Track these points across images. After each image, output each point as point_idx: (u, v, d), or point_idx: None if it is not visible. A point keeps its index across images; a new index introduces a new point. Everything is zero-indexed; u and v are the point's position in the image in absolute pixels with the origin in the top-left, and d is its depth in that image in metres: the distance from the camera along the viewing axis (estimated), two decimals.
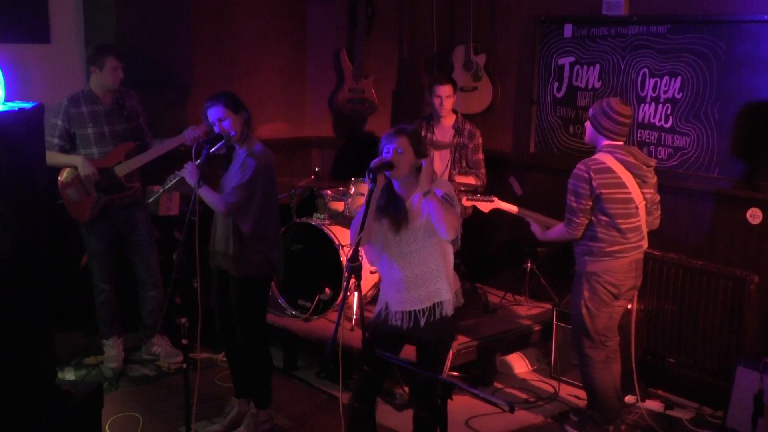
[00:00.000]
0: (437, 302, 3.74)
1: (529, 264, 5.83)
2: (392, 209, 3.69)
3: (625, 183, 4.26)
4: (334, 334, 3.43)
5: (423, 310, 3.74)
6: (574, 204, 4.30)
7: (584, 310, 4.41)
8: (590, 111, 4.41)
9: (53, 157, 5.01)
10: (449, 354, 4.53)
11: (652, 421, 4.76)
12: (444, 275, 3.75)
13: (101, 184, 5.05)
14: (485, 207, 4.78)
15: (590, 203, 4.27)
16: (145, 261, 5.33)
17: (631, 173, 4.27)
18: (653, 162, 4.40)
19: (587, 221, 4.32)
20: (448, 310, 3.75)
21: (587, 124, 4.42)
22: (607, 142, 4.32)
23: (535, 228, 4.59)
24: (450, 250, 3.80)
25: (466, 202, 4.84)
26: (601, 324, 4.44)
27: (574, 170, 4.30)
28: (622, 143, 4.35)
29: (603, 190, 4.24)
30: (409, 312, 3.75)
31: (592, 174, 4.23)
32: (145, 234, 5.30)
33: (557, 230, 4.46)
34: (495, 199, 4.75)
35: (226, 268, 4.33)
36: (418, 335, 3.79)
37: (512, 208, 4.68)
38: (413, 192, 3.72)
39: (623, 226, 4.30)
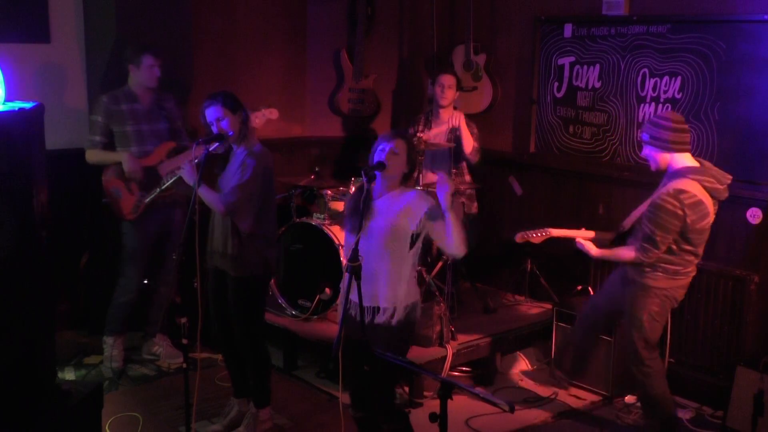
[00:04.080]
0: (377, 306, 3.69)
1: (529, 264, 5.83)
2: (357, 209, 3.66)
3: (710, 212, 4.12)
4: (339, 333, 3.42)
5: (367, 307, 3.68)
6: (657, 237, 4.08)
7: (649, 324, 4.30)
8: (644, 135, 4.21)
9: (98, 155, 5.07)
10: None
11: None
12: (391, 283, 3.68)
13: (144, 183, 5.08)
14: (538, 239, 4.56)
15: (675, 237, 4.11)
16: (169, 259, 5.34)
17: (713, 199, 4.13)
18: (729, 178, 4.18)
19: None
20: (380, 317, 3.67)
21: (647, 151, 4.20)
22: (681, 162, 4.12)
23: (588, 247, 4.39)
24: (412, 262, 3.74)
25: (520, 239, 4.59)
26: (659, 335, 4.38)
27: (662, 202, 4.05)
28: (693, 158, 4.18)
29: (696, 225, 4.09)
30: (356, 303, 3.66)
31: (686, 210, 4.03)
32: (178, 233, 5.33)
33: (624, 254, 4.26)
34: (550, 230, 4.52)
35: (223, 268, 4.33)
36: (365, 335, 3.65)
37: (568, 234, 4.49)
38: (389, 192, 3.72)
39: (700, 251, 4.22)
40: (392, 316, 3.69)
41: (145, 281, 5.38)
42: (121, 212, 5.13)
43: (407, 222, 3.66)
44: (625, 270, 4.42)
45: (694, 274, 4.32)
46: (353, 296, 3.59)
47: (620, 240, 4.43)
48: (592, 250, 4.38)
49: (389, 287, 3.68)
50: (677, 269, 4.22)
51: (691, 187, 4.06)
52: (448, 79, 5.63)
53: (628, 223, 4.44)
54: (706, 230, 4.16)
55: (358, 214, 3.59)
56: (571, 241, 4.47)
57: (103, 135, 5.08)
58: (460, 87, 5.75)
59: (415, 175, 5.35)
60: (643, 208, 4.32)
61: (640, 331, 4.35)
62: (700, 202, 4.07)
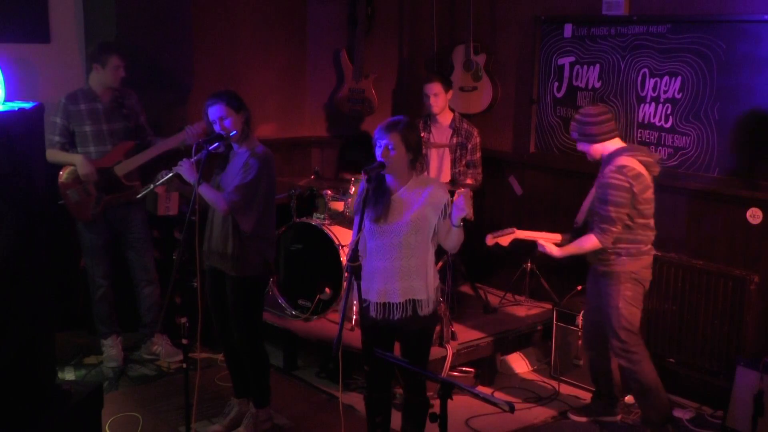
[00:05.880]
0: (410, 299, 3.77)
1: (529, 264, 5.83)
2: (375, 202, 3.73)
3: (650, 185, 4.34)
4: (339, 333, 3.44)
5: (397, 304, 3.77)
6: (612, 214, 4.26)
7: (626, 310, 4.41)
8: (573, 134, 4.49)
9: (53, 155, 5.03)
10: (432, 341, 4.41)
11: None
12: (422, 274, 3.78)
13: (101, 184, 5.07)
14: (506, 240, 4.56)
15: (628, 211, 4.29)
16: (140, 258, 5.35)
17: (649, 172, 4.34)
18: (657, 156, 4.54)
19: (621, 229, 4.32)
20: (423, 309, 3.79)
21: (580, 146, 4.47)
22: (612, 146, 4.37)
23: (550, 249, 4.44)
24: (433, 250, 3.84)
25: (490, 241, 4.56)
26: (638, 321, 4.47)
27: (610, 180, 4.27)
28: (620, 138, 4.45)
29: (642, 195, 4.29)
30: (383, 304, 3.78)
31: (632, 181, 4.26)
32: (141, 231, 5.33)
33: (586, 243, 4.36)
34: (515, 230, 4.56)
35: (222, 269, 4.32)
36: (396, 326, 3.82)
37: (533, 236, 4.54)
38: (403, 184, 3.77)
39: (652, 223, 4.39)
40: (429, 302, 3.82)
41: (143, 282, 5.40)
42: (79, 214, 5.13)
43: (432, 213, 3.74)
44: (594, 269, 4.53)
45: (654, 253, 4.45)
46: (372, 297, 3.79)
47: (577, 236, 4.49)
48: (554, 251, 4.46)
49: (423, 279, 3.79)
50: (639, 247, 4.38)
51: (630, 161, 4.31)
52: (432, 88, 5.56)
53: (580, 218, 4.56)
54: (652, 200, 4.38)
55: (371, 206, 3.71)
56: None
57: (62, 135, 5.05)
58: (450, 87, 5.70)
59: (424, 150, 5.38)
60: (590, 199, 4.51)
61: (619, 320, 4.43)
62: (640, 174, 4.30)
